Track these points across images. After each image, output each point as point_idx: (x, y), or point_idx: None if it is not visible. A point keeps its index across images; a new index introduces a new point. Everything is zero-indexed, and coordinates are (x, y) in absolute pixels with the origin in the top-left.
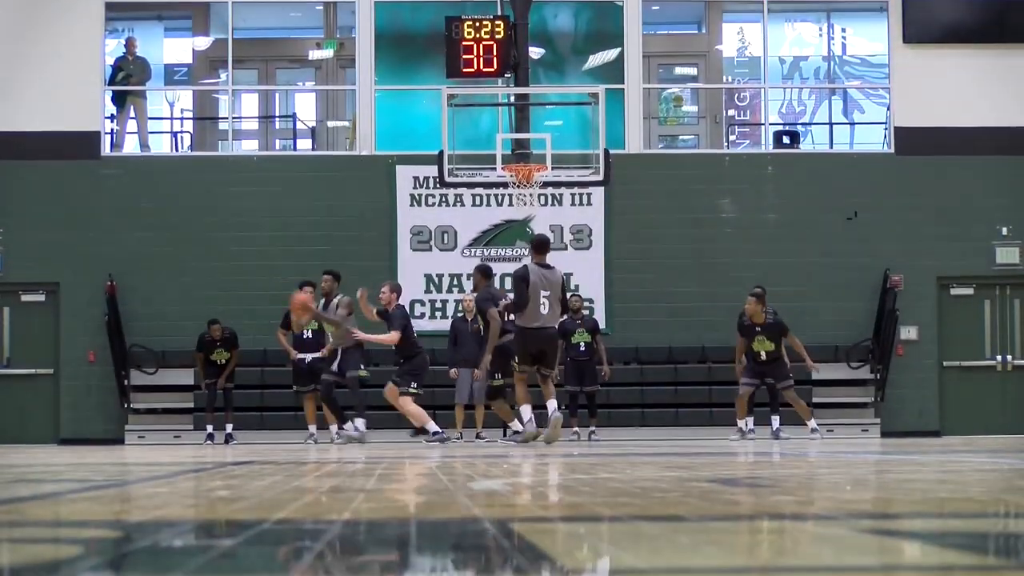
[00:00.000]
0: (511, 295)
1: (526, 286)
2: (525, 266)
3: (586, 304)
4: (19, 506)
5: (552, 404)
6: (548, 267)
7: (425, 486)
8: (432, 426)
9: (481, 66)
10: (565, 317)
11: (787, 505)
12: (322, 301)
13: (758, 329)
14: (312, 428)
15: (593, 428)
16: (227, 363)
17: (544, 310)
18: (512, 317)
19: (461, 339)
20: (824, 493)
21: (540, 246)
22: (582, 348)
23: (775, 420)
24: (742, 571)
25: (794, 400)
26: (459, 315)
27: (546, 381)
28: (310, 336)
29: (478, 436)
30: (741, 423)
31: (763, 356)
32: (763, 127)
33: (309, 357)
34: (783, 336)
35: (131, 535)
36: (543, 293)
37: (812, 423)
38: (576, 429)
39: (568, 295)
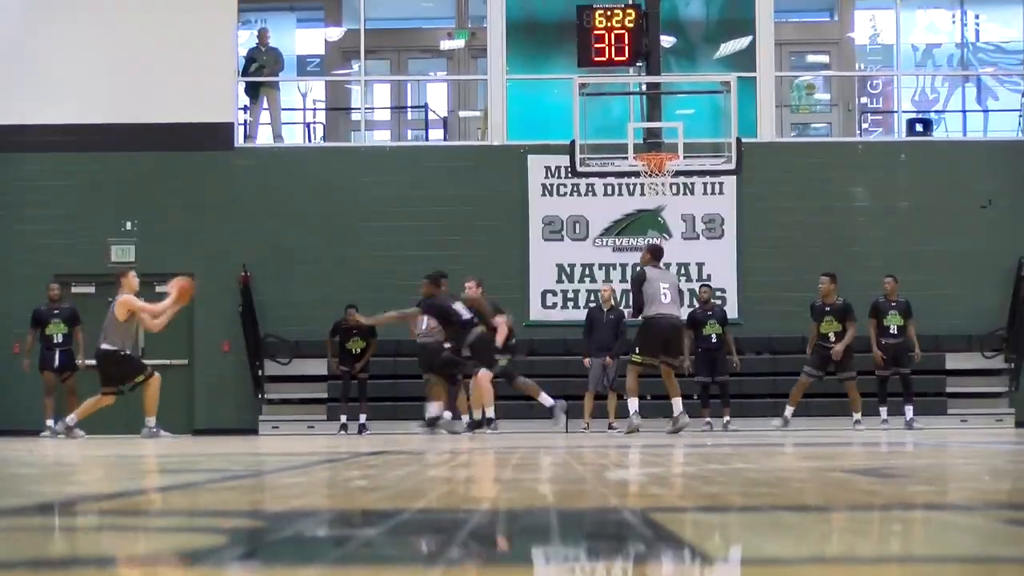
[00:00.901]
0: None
1: (641, 286)
2: (642, 269)
3: (717, 294)
4: (160, 495)
5: (678, 403)
6: (661, 268)
7: (561, 476)
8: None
9: (612, 55)
10: (694, 308)
11: (925, 495)
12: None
13: (827, 309)
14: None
15: (727, 418)
16: (363, 352)
17: (666, 299)
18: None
19: (596, 328)
20: (961, 483)
21: (657, 253)
22: (713, 339)
23: (908, 410)
24: (883, 560)
25: (851, 389)
26: (594, 304)
27: (671, 377)
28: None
29: (610, 426)
30: (789, 411)
31: (832, 337)
32: (896, 115)
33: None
34: (848, 320)
35: (271, 525)
36: (663, 285)
37: (856, 415)
38: (708, 419)
39: (699, 286)
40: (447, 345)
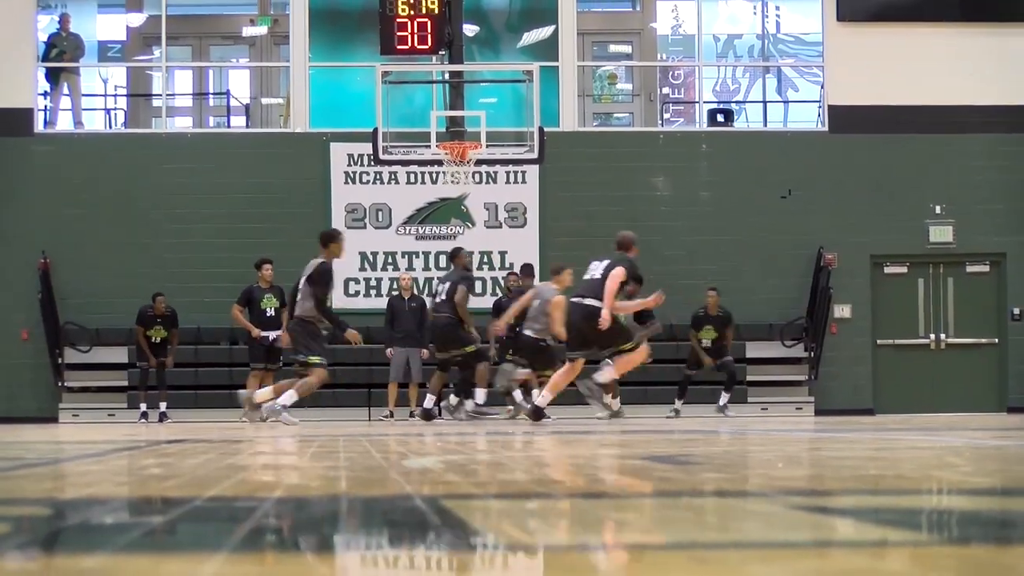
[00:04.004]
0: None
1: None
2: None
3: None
4: None
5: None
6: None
7: (358, 463)
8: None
9: (415, 43)
10: (500, 296)
11: (718, 482)
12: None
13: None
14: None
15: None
16: (162, 341)
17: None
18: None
19: (398, 317)
20: (756, 470)
21: (322, 238)
22: (518, 328)
23: (724, 397)
24: (672, 547)
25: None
26: (395, 293)
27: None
28: (272, 314)
29: (411, 415)
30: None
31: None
32: (697, 105)
33: (273, 335)
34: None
35: (62, 512)
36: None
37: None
38: (511, 407)
39: (506, 274)
40: None
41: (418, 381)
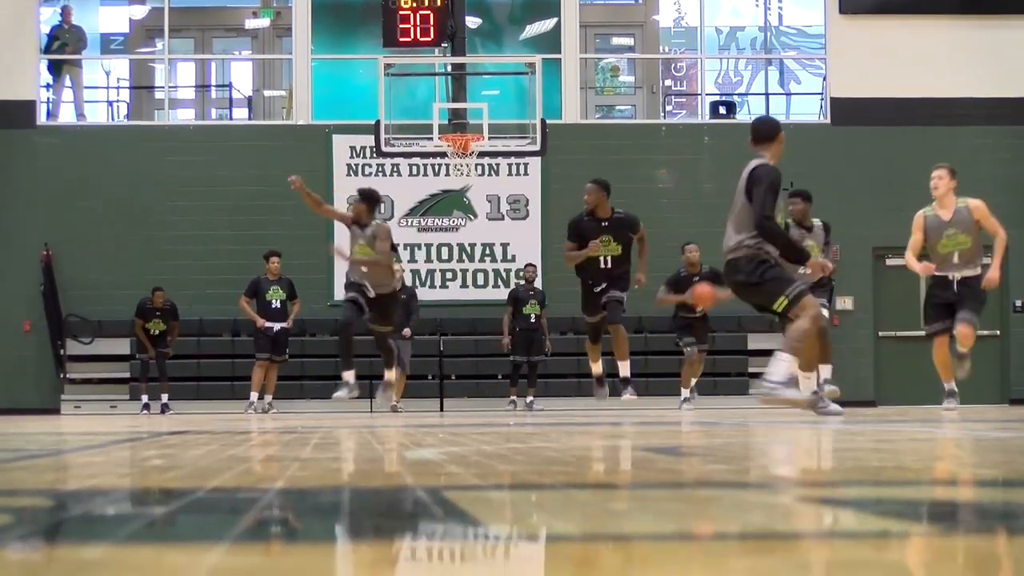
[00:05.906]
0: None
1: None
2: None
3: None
4: None
5: None
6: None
7: (360, 455)
8: None
9: (418, 35)
10: (517, 286)
11: (721, 473)
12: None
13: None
14: (254, 396)
15: (532, 398)
16: (161, 334)
17: None
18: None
19: None
20: (758, 462)
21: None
22: (532, 319)
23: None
24: (674, 538)
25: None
26: None
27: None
28: (278, 306)
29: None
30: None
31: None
32: (700, 97)
33: (277, 327)
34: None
35: (64, 503)
36: None
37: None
38: (513, 398)
39: (524, 264)
40: None
41: (406, 372)
